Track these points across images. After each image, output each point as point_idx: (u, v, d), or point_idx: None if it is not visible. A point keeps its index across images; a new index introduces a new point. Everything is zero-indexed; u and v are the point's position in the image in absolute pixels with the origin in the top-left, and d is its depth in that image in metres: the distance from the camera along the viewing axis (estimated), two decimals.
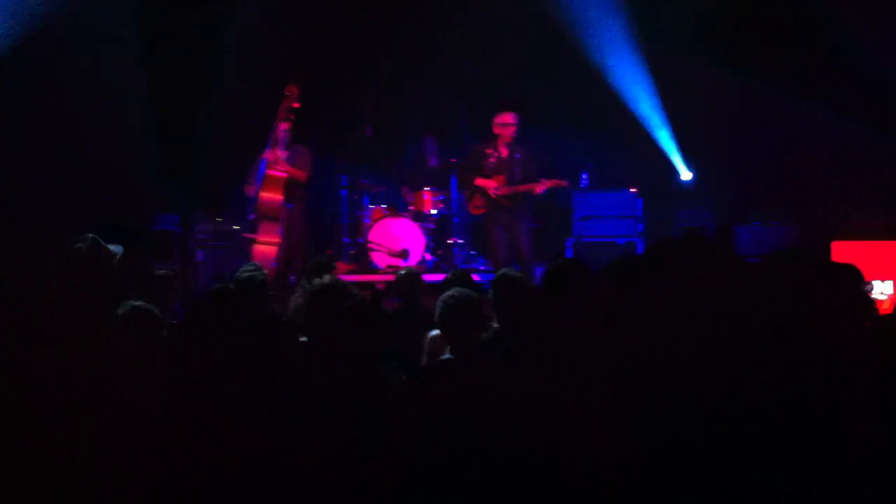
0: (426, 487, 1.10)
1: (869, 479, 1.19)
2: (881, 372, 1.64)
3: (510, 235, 8.60)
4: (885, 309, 5.44)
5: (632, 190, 9.48)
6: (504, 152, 8.63)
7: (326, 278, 4.29)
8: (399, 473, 1.17)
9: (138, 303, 4.02)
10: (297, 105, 8.64)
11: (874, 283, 7.11)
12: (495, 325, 4.66)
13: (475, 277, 6.82)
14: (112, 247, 4.80)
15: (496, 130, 8.63)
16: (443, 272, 9.22)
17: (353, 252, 9.79)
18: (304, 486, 1.75)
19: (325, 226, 9.95)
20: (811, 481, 0.96)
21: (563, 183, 8.64)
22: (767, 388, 0.94)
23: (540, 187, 8.45)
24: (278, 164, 8.63)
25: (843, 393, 1.02)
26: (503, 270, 5.77)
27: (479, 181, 8.66)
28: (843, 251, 7.62)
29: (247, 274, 5.31)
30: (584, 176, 9.69)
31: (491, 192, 8.60)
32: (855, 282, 3.42)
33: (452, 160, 9.29)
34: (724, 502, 0.94)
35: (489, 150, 8.71)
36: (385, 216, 9.54)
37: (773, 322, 0.97)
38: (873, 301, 3.65)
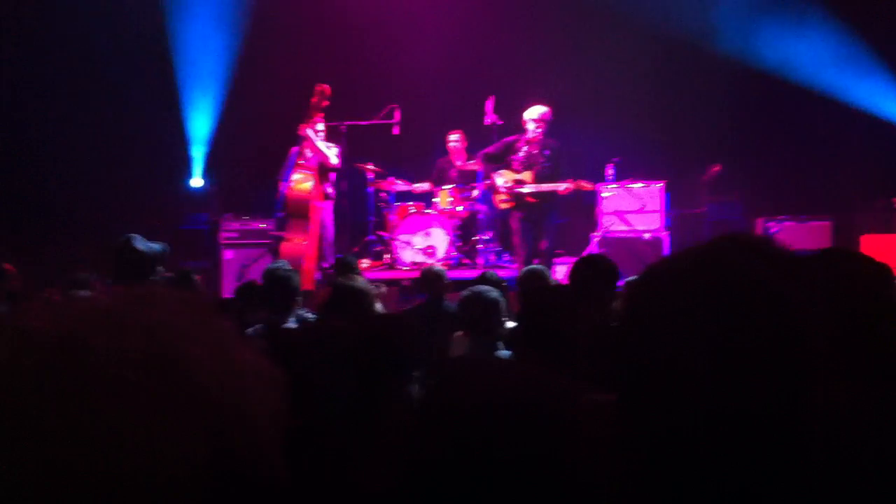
0: (434, 487, 1.12)
1: (873, 481, 1.20)
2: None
3: (535, 231, 8.56)
4: None
5: (659, 184, 9.41)
6: (534, 147, 8.55)
7: (356, 279, 4.30)
8: (407, 473, 1.19)
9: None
10: (326, 103, 8.68)
11: None
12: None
13: (500, 274, 6.79)
14: (155, 245, 4.82)
15: (526, 124, 8.56)
16: (469, 269, 9.25)
17: (379, 249, 9.82)
18: (309, 484, 1.77)
19: (353, 223, 10.00)
20: (814, 484, 0.97)
21: (589, 186, 8.54)
22: (774, 389, 0.96)
23: (565, 190, 8.35)
24: (307, 161, 8.69)
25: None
26: (529, 267, 5.77)
27: (497, 177, 8.61)
28: (872, 245, 7.52)
29: (275, 271, 5.27)
30: (610, 169, 9.63)
31: (502, 190, 8.54)
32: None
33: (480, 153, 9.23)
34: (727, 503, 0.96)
35: (519, 145, 8.64)
36: (411, 213, 9.56)
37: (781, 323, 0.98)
38: None
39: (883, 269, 1.88)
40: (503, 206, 8.71)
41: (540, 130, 8.48)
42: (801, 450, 0.96)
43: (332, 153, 8.75)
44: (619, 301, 4.47)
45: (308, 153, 8.71)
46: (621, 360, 1.00)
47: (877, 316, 1.62)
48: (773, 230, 9.29)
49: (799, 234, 9.21)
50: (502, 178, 8.59)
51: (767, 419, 0.95)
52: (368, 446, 1.86)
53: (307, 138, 8.64)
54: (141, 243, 4.65)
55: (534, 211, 8.51)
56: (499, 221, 9.61)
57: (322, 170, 8.73)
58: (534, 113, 8.48)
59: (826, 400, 0.95)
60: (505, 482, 1.03)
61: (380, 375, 2.42)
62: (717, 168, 10.03)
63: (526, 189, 8.47)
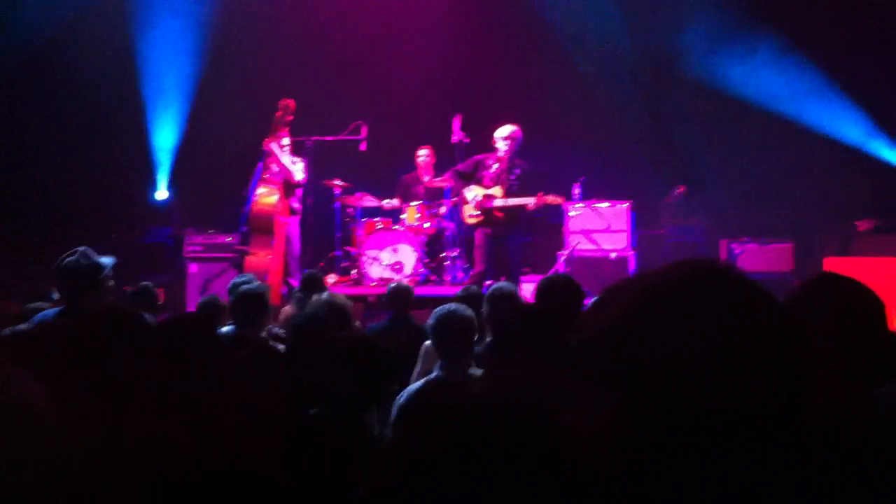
0: (434, 487, 1.09)
1: (873, 481, 1.20)
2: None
3: (500, 247, 8.59)
4: None
5: (625, 203, 9.49)
6: (503, 164, 8.60)
7: (325, 295, 4.26)
8: (407, 473, 1.17)
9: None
10: (291, 118, 8.66)
11: None
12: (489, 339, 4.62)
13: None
14: (104, 259, 4.73)
15: (496, 143, 8.61)
16: (436, 286, 9.24)
17: (345, 265, 9.78)
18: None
19: (320, 239, 9.95)
20: (814, 484, 0.97)
21: (559, 200, 8.61)
22: (774, 389, 0.95)
23: (533, 204, 8.38)
24: (272, 176, 8.65)
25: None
26: (497, 285, 5.75)
27: (467, 192, 8.63)
28: (834, 268, 7.63)
29: (245, 287, 5.17)
30: (577, 188, 9.70)
31: (475, 205, 8.57)
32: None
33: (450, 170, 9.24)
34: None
35: (489, 162, 8.69)
36: (378, 229, 9.54)
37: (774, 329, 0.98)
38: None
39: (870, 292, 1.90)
40: (471, 220, 8.73)
41: (508, 149, 8.54)
42: (801, 450, 0.95)
43: (297, 168, 8.72)
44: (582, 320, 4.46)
45: (274, 168, 8.68)
46: (622, 361, 1.00)
47: (875, 322, 1.63)
48: (736, 252, 9.39)
49: (761, 256, 9.32)
50: (472, 193, 8.62)
51: (767, 419, 0.94)
52: (368, 446, 1.85)
53: (272, 153, 8.61)
54: (86, 257, 4.54)
55: (500, 227, 8.55)
56: (466, 238, 9.62)
57: (287, 185, 8.70)
58: (503, 132, 8.55)
59: (826, 400, 0.96)
60: (505, 482, 1.02)
61: (378, 376, 2.41)
62: (681, 189, 10.16)
63: (496, 203, 8.51)
